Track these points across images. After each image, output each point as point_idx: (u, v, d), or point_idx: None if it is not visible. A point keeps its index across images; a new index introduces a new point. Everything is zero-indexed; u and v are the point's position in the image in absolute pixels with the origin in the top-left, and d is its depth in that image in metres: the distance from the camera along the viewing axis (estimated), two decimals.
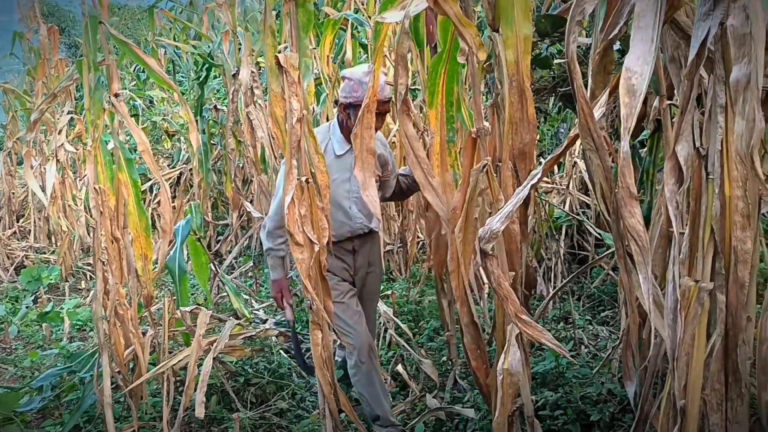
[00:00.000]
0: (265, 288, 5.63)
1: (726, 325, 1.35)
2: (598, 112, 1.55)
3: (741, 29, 1.22)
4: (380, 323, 4.12)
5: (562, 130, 5.74)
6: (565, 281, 3.73)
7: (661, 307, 1.43)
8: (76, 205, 7.17)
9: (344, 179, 3.01)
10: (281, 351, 3.84)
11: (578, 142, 1.81)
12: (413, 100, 4.92)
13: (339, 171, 2.96)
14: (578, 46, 3.26)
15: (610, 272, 4.55)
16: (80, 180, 7.67)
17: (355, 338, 2.98)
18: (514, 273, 2.07)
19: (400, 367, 3.69)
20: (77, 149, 7.35)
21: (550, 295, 3.52)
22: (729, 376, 1.39)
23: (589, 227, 4.69)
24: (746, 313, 1.36)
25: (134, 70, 9.33)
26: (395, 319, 4.13)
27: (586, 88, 1.59)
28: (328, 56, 4.97)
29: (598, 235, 4.62)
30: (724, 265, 1.31)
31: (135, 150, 5.23)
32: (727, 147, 1.25)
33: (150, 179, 7.32)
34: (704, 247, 1.32)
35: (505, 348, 1.93)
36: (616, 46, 2.98)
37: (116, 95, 3.10)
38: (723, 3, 1.26)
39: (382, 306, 4.19)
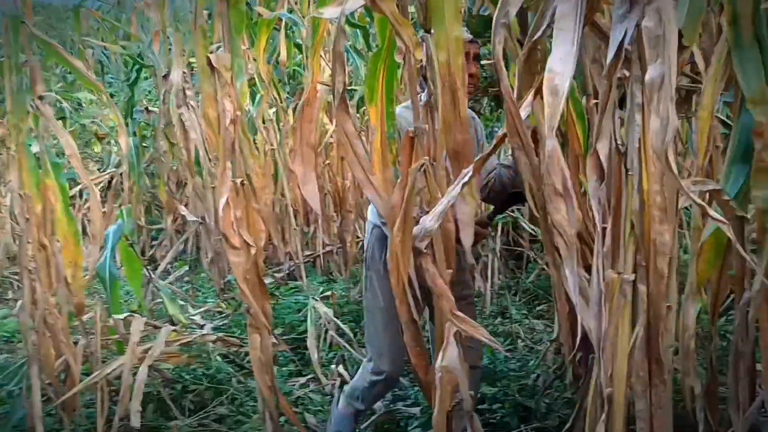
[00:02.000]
0: (203, 293, 5.55)
1: (648, 314, 1.40)
2: (524, 111, 1.59)
3: (655, 31, 1.27)
4: (320, 324, 4.12)
5: (497, 130, 5.85)
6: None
7: (587, 299, 1.48)
8: (1, 212, 6.88)
9: None
10: (218, 357, 3.78)
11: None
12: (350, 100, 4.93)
13: None
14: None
15: (545, 267, 4.68)
16: (4, 186, 7.36)
17: (390, 367, 2.69)
18: (451, 271, 2.10)
19: (341, 368, 3.69)
20: (0, 154, 7.05)
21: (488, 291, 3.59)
22: (652, 364, 1.45)
23: (523, 224, 4.81)
24: (667, 303, 1.42)
25: (60, 72, 9.01)
26: (336, 320, 4.13)
27: (513, 88, 1.63)
28: (262, 56, 4.92)
29: (532, 232, 4.74)
30: (644, 257, 1.37)
31: (63, 154, 5.06)
32: (645, 144, 1.31)
33: (79, 184, 7.09)
34: (626, 240, 1.38)
35: (443, 345, 1.95)
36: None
37: (41, 98, 3.00)
38: (639, 5, 1.32)
39: (321, 307, 4.18)
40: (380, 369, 2.70)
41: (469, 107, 2.75)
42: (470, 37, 2.61)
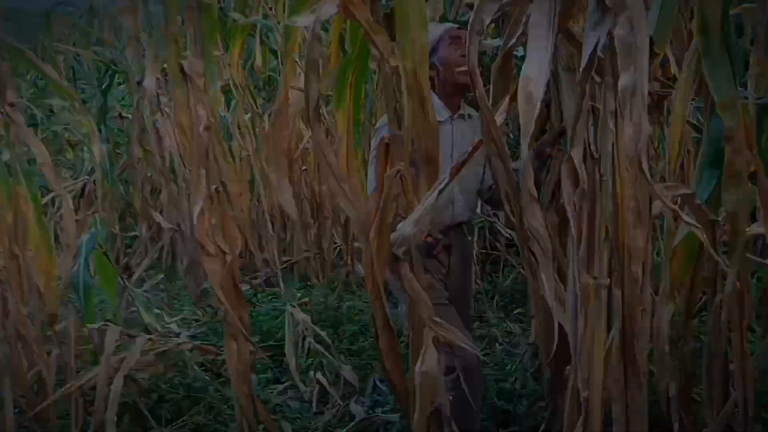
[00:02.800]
0: (179, 300, 5.49)
1: (623, 318, 1.42)
2: (500, 118, 1.61)
3: (627, 39, 1.29)
4: (298, 331, 4.09)
5: None
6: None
7: (563, 303, 1.50)
8: None
9: (446, 155, 2.38)
10: (195, 365, 3.74)
11: None
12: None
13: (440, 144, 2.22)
14: (483, 52, 3.36)
15: (521, 271, 4.70)
16: None
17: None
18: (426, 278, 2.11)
19: (319, 375, 3.68)
20: None
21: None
22: (628, 367, 1.46)
23: (500, 228, 4.83)
24: (641, 307, 1.44)
25: (31, 78, 8.88)
26: (314, 326, 4.11)
27: (488, 94, 1.64)
28: (237, 62, 4.90)
29: (509, 236, 4.76)
30: (618, 261, 1.39)
31: (34, 161, 4.99)
32: (618, 150, 1.33)
33: (51, 191, 6.98)
34: (600, 245, 1.40)
35: (422, 351, 1.96)
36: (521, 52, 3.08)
37: (11, 104, 2.96)
38: (611, 14, 1.34)
39: (299, 314, 4.16)
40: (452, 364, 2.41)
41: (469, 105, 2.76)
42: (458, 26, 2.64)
